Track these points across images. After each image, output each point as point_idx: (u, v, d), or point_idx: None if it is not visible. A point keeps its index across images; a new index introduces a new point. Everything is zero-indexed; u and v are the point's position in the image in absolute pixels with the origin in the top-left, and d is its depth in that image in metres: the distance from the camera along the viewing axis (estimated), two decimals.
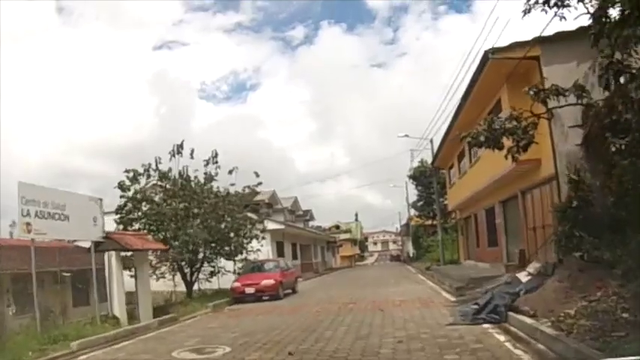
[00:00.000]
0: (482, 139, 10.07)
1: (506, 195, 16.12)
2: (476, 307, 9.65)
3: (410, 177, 45.16)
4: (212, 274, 18.25)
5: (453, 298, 12.17)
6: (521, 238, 14.77)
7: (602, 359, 3.70)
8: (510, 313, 8.07)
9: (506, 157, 9.92)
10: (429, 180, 43.85)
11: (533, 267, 10.21)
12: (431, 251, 36.16)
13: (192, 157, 17.73)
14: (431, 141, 26.26)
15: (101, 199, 12.38)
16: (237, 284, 15.40)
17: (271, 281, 14.96)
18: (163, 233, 16.27)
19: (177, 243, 16.07)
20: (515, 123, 9.89)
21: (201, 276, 18.24)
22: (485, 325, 7.85)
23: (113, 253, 12.36)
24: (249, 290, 14.95)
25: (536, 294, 8.67)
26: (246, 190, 18.00)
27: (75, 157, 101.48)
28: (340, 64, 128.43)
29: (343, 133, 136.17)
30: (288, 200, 37.94)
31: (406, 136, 26.90)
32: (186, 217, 16.41)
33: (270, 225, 27.18)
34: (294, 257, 32.85)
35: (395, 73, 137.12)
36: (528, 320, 7.30)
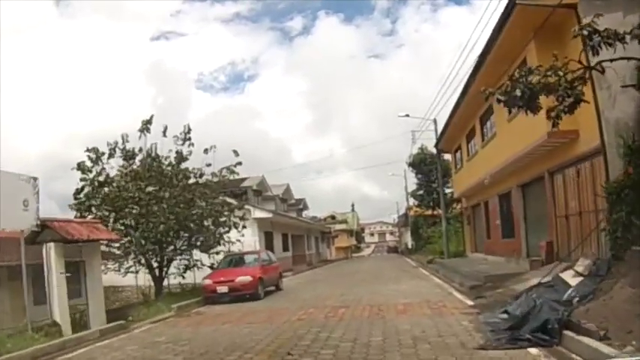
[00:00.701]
0: (517, 93, 7.52)
1: (528, 177, 13.64)
2: (505, 316, 7.27)
3: (409, 164, 42.65)
4: (186, 268, 15.81)
5: (469, 302, 9.73)
6: (548, 228, 12.32)
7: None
8: (567, 332, 5.65)
9: (549, 117, 7.38)
10: (429, 167, 41.41)
11: (582, 265, 7.74)
12: (432, 243, 33.78)
13: (164, 136, 15.22)
14: (434, 121, 23.77)
15: (36, 178, 9.91)
16: (208, 281, 12.94)
17: (248, 278, 12.48)
18: (123, 221, 13.78)
19: (137, 233, 13.57)
20: (558, 76, 7.41)
21: (174, 270, 15.83)
22: (533, 351, 5.44)
23: (52, 245, 10.04)
24: (222, 289, 12.49)
25: (600, 304, 6.22)
26: (224, 172, 15.41)
27: (73, 148, 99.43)
28: (338, 55, 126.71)
29: (340, 124, 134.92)
30: (280, 187, 35.40)
31: (407, 115, 24.41)
32: (152, 201, 13.90)
33: (257, 213, 24.77)
34: (285, 249, 30.42)
35: (393, 64, 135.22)
36: (599, 345, 4.91)
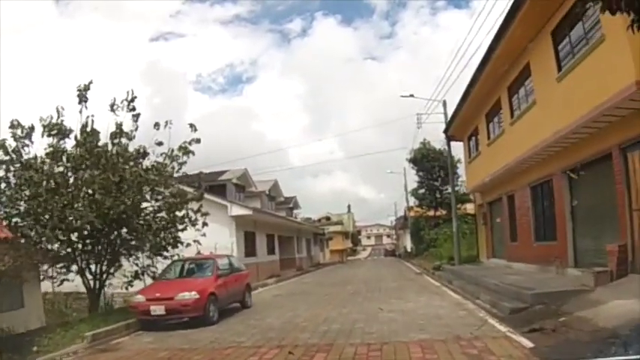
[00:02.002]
0: None
1: (582, 157, 10.04)
2: None
3: (410, 160, 39.00)
4: (135, 276, 12.17)
5: (523, 340, 6.10)
6: (620, 227, 8.70)
7: (602, 359, 3.05)
8: None
9: None
10: (431, 164, 37.81)
11: None
12: (435, 246, 30.11)
13: (112, 111, 11.56)
14: (444, 103, 20.14)
15: None
16: (139, 299, 9.24)
17: (192, 295, 8.76)
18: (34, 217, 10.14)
19: (46, 230, 9.91)
20: None
21: (120, 279, 12.21)
22: None
23: None
24: (157, 310, 8.79)
25: None
26: (174, 153, 11.73)
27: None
28: (337, 57, 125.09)
29: (338, 127, 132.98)
30: (266, 184, 31.65)
31: (411, 96, 20.79)
32: (70, 189, 10.27)
33: (236, 210, 21.08)
34: (271, 251, 26.71)
35: (391, 66, 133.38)
36: None
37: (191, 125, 12.15)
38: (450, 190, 39.14)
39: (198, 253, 16.02)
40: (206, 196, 21.35)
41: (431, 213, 38.91)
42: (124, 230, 11.18)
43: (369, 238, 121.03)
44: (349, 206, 77.63)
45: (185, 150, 11.89)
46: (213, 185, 24.10)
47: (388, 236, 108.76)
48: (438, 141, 34.67)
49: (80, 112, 11.27)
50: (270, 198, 33.29)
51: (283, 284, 20.07)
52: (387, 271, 24.77)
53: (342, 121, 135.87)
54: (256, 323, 8.79)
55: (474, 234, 23.39)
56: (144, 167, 11.50)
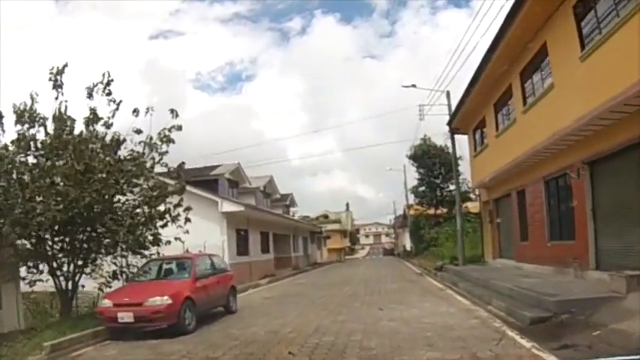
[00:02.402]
0: None
1: (608, 147, 8.93)
2: None
3: (410, 157, 37.91)
4: (114, 277, 11.04)
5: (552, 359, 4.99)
6: None
7: (602, 359, 2.67)
8: None
9: None
10: (432, 160, 36.71)
11: None
12: (437, 245, 29.01)
13: (90, 97, 10.40)
14: (447, 94, 19.00)
15: None
16: (106, 304, 8.12)
17: (164, 300, 7.62)
18: None
19: (5, 226, 8.79)
20: None
21: (97, 280, 11.08)
22: None
23: None
24: (125, 317, 7.66)
25: None
26: (152, 141, 10.58)
27: None
28: (336, 56, 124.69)
29: (337, 125, 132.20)
30: (261, 180, 30.51)
31: (413, 86, 19.65)
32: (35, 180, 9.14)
33: (227, 206, 19.94)
34: (265, 250, 25.58)
35: (390, 65, 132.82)
36: None
37: (172, 111, 10.96)
38: (451, 187, 38.22)
39: (186, 251, 14.98)
40: (195, 191, 20.34)
41: (431, 211, 37.88)
42: (95, 225, 10.04)
43: (367, 236, 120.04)
44: (347, 204, 76.58)
45: (165, 138, 10.73)
46: (205, 180, 23.01)
47: (387, 235, 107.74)
48: (441, 134, 33.71)
49: (57, 98, 10.18)
50: (266, 195, 32.16)
51: (276, 285, 18.96)
52: (386, 271, 23.67)
53: (341, 120, 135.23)
54: (238, 333, 7.66)
55: (477, 233, 22.31)
56: (119, 156, 10.38)
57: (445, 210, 37.14)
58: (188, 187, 20.11)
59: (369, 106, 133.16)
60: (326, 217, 66.06)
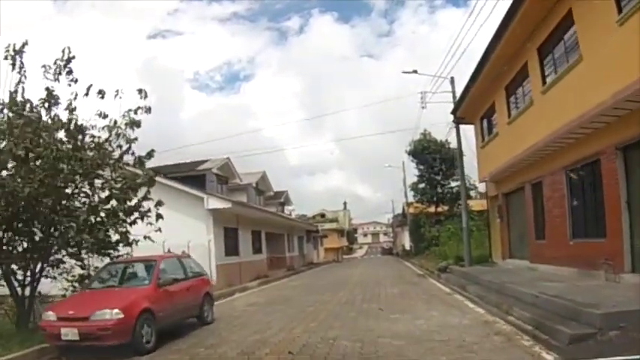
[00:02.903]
0: None
1: None
2: None
3: (409, 153, 36.48)
4: (80, 280, 9.57)
5: None
6: None
7: (603, 359, 3.11)
8: None
9: None
10: (433, 156, 35.28)
11: None
12: (439, 244, 27.57)
13: (47, 76, 8.89)
14: (451, 80, 17.54)
15: None
16: (49, 317, 6.64)
17: (114, 314, 6.15)
18: None
19: None
20: None
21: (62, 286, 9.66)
22: None
23: None
24: (69, 333, 6.19)
25: None
26: (117, 124, 9.06)
27: None
28: (334, 55, 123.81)
29: (334, 124, 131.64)
30: (253, 176, 29.02)
31: (415, 72, 18.15)
32: None
33: (213, 203, 18.46)
34: (257, 250, 24.12)
35: (388, 64, 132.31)
36: None
37: (140, 91, 9.48)
38: (452, 184, 36.82)
39: (168, 252, 13.58)
40: (178, 186, 18.86)
41: (432, 209, 36.48)
42: (43, 222, 8.57)
43: (365, 236, 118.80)
44: (345, 203, 75.20)
45: (131, 121, 9.23)
46: (192, 176, 21.55)
47: (385, 234, 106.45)
48: (443, 125, 32.14)
49: (20, 81, 8.69)
50: (259, 192, 30.69)
51: (267, 288, 17.49)
52: (385, 272, 22.25)
53: (339, 119, 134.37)
54: (205, 354, 6.19)
55: (482, 231, 20.92)
56: (78, 143, 8.88)
57: (446, 208, 35.78)
58: (170, 183, 18.76)
59: (368, 104, 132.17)
60: (323, 215, 64.65)
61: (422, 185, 36.30)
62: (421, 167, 36.25)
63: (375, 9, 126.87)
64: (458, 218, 29.95)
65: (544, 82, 10.48)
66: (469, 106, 16.00)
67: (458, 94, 17.04)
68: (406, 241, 48.72)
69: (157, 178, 10.84)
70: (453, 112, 17.23)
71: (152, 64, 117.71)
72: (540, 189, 12.13)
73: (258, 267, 23.41)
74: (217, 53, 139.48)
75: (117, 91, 9.22)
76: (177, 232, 17.93)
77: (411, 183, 37.25)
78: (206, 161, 23.28)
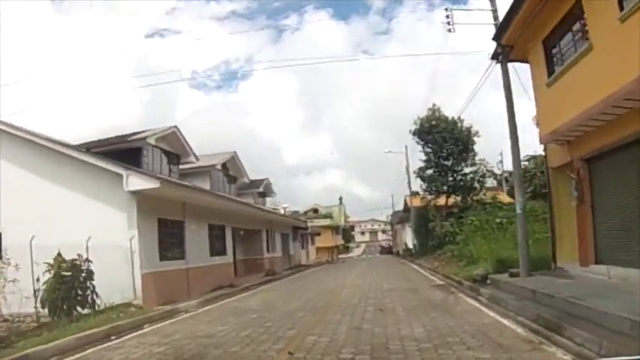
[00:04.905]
0: None
1: None
2: None
3: (414, 133, 30.43)
4: None
5: None
6: None
7: (603, 359, 3.12)
8: None
9: None
10: (442, 135, 29.20)
11: None
12: (455, 242, 21.50)
13: None
14: None
15: None
16: None
17: None
18: None
19: None
20: None
21: None
22: None
23: None
24: None
25: None
26: None
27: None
28: (332, 53, 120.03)
29: (332, 122, 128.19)
30: (219, 157, 22.87)
31: None
32: None
33: (135, 182, 12.44)
34: (218, 251, 18.08)
35: (386, 62, 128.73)
36: None
37: None
38: (466, 170, 30.73)
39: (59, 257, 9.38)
40: (77, 156, 12.85)
41: (441, 201, 30.49)
42: None
43: (363, 234, 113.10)
44: (341, 198, 69.23)
45: None
46: (119, 150, 15.45)
47: (384, 232, 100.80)
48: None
49: None
50: (230, 179, 24.58)
51: (210, 310, 11.40)
52: (390, 281, 16.20)
53: (338, 118, 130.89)
54: None
55: (537, 222, 14.81)
56: None
57: (459, 198, 29.81)
58: (67, 152, 12.76)
59: (366, 103, 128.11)
60: (316, 211, 58.59)
61: (429, 172, 30.28)
62: (428, 150, 30.23)
63: (374, 8, 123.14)
64: (473, 211, 24.05)
65: None
66: (526, 21, 9.88)
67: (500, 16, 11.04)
68: (408, 239, 42.71)
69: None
70: (496, 38, 11.12)
71: (153, 63, 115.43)
72: None
73: (220, 274, 17.37)
74: (215, 52, 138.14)
75: None
76: (74, 225, 11.87)
77: (416, 169, 31.15)
78: (145, 131, 17.08)
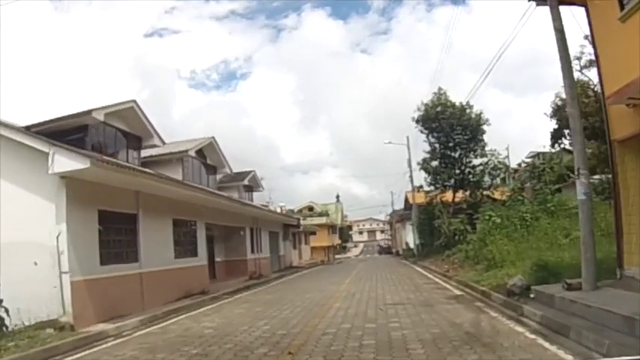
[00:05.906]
0: None
1: None
2: None
3: (417, 121, 27.40)
4: None
5: None
6: None
7: (603, 359, 3.10)
8: None
9: None
10: (450, 121, 26.19)
11: None
12: (466, 242, 18.51)
13: None
14: None
15: None
16: None
17: None
18: None
19: None
20: None
21: None
22: None
23: None
24: None
25: None
26: None
27: None
28: (331, 52, 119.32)
29: (330, 121, 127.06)
30: (195, 142, 19.81)
31: None
32: None
33: (63, 162, 9.34)
34: (187, 252, 15.07)
35: (385, 62, 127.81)
36: None
37: None
38: (474, 162, 27.75)
39: None
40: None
41: (448, 197, 27.53)
42: None
43: (361, 233, 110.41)
44: (338, 196, 66.21)
45: None
46: (62, 129, 12.39)
47: (382, 232, 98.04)
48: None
49: None
50: (210, 169, 21.55)
51: (147, 334, 8.36)
52: (394, 290, 13.19)
53: (334, 115, 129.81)
54: None
55: (568, 217, 11.89)
56: None
57: (468, 193, 26.84)
58: None
59: (365, 102, 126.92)
60: (311, 209, 55.60)
61: (435, 163, 27.28)
62: (433, 139, 27.24)
63: (373, 7, 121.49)
64: (484, 206, 21.09)
65: None
66: None
67: None
68: (409, 238, 39.77)
69: None
70: None
71: (150, 62, 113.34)
72: None
73: (188, 279, 14.34)
74: (214, 51, 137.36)
75: None
76: None
77: (420, 160, 28.11)
78: (95, 110, 13.92)
